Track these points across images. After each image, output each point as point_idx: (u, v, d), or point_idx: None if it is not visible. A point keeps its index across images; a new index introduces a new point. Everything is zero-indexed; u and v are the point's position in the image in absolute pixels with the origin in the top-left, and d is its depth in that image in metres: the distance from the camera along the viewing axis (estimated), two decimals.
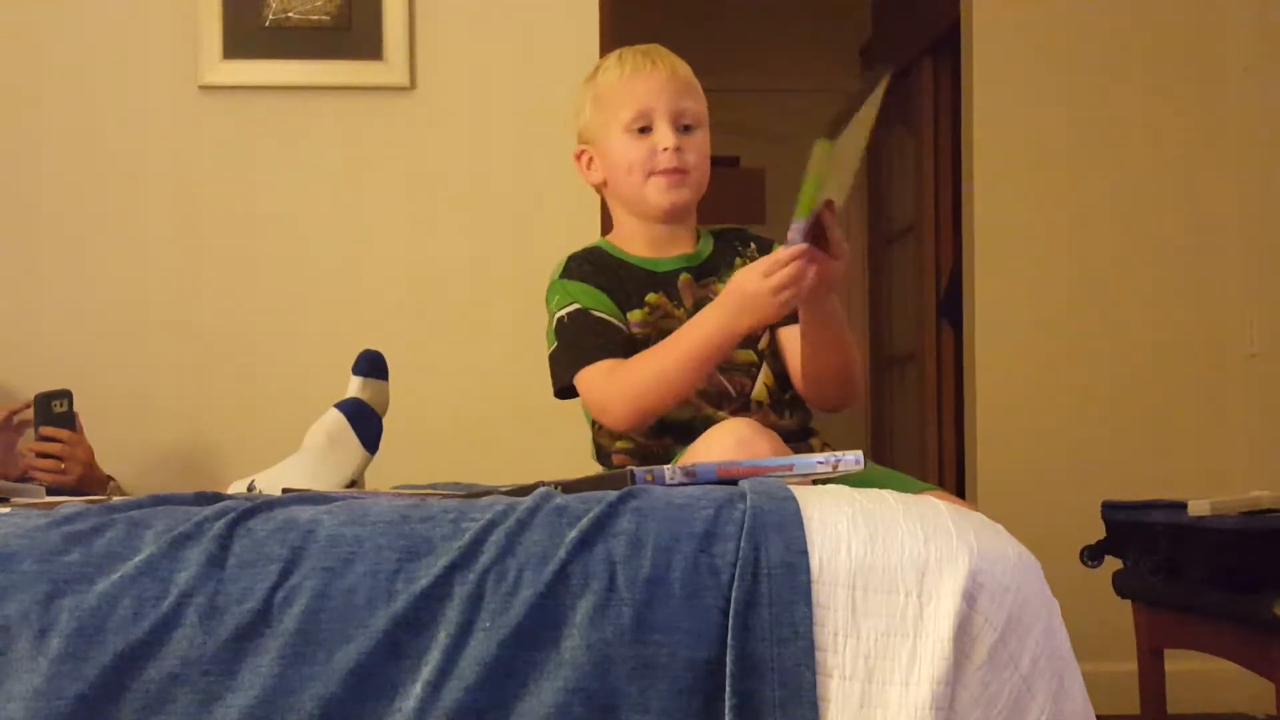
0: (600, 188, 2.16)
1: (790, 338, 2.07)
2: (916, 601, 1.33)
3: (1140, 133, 3.85)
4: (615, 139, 2.08)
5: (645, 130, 2.06)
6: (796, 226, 1.78)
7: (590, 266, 2.09)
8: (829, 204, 1.79)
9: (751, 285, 1.84)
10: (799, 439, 2.04)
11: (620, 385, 1.96)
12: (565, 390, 2.05)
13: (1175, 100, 3.85)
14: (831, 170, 1.73)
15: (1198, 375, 3.84)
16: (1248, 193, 3.84)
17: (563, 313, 2.05)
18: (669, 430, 2.02)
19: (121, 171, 3.22)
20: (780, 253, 1.81)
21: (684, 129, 2.07)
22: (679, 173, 2.06)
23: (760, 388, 2.06)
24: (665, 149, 2.05)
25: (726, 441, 1.78)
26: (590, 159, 2.14)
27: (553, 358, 2.06)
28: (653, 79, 2.07)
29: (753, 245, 2.15)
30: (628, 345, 2.01)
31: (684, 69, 2.11)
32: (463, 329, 3.25)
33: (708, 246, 2.15)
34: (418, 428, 2.88)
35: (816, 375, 2.03)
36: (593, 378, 1.99)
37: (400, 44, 3.23)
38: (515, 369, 3.18)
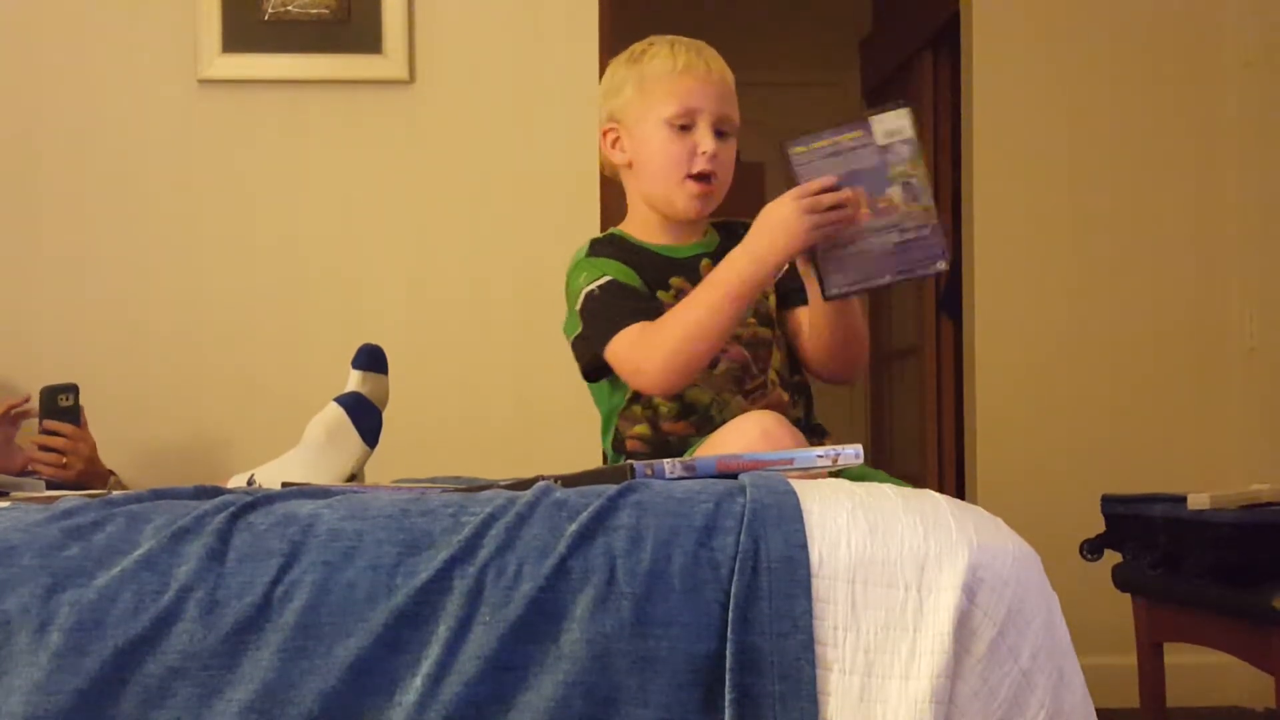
0: (621, 168, 2.15)
1: (803, 314, 2.08)
2: (916, 595, 1.33)
3: (1140, 128, 3.84)
4: (653, 129, 2.07)
5: (685, 129, 2.06)
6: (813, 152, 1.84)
7: (614, 248, 2.09)
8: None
9: (781, 210, 1.87)
10: (813, 436, 2.03)
11: (654, 342, 1.93)
12: (593, 367, 2.03)
13: (1175, 95, 3.85)
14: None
15: (1197, 369, 3.84)
16: (1247, 187, 3.84)
17: (593, 286, 2.02)
18: (688, 414, 2.02)
19: (121, 165, 3.22)
20: (811, 184, 1.86)
21: (720, 135, 2.07)
22: (710, 182, 2.06)
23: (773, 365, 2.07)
24: (704, 152, 2.05)
25: (752, 432, 1.77)
26: (618, 139, 2.12)
27: (580, 337, 2.04)
28: (706, 80, 2.07)
29: None
30: (660, 315, 1.99)
31: (731, 76, 2.12)
32: (462, 322, 3.25)
33: (716, 236, 2.15)
34: (417, 422, 2.88)
35: (830, 343, 2.04)
36: (624, 341, 1.97)
37: (399, 37, 3.23)
38: (515, 362, 3.18)
